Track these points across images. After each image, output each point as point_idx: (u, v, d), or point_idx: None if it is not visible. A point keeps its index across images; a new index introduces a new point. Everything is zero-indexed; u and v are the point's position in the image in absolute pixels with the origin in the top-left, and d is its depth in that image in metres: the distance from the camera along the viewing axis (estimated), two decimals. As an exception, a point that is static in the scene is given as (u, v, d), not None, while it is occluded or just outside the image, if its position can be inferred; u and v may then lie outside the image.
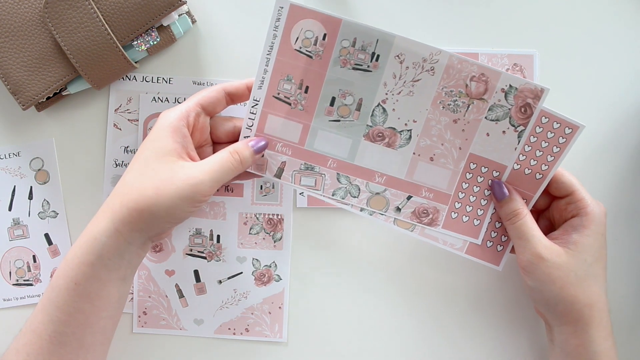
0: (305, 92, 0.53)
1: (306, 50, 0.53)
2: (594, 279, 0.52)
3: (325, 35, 0.52)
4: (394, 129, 0.54)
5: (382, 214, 0.55)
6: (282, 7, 0.51)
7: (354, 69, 0.53)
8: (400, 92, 0.53)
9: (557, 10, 0.60)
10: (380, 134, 0.54)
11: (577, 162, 0.59)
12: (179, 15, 0.58)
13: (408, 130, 0.54)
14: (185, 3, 0.56)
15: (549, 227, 0.56)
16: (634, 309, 0.60)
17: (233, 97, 0.55)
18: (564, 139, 0.53)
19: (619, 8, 0.60)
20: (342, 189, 0.55)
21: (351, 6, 0.60)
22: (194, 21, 0.60)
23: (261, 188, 0.61)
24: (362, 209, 0.55)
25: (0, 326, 0.61)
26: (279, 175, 0.55)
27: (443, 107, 0.53)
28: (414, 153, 0.54)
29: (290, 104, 0.54)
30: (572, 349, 0.52)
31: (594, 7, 0.60)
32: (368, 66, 0.53)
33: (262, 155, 0.55)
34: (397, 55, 0.52)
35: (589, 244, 0.51)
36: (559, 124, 0.52)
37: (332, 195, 0.55)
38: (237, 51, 0.61)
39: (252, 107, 0.54)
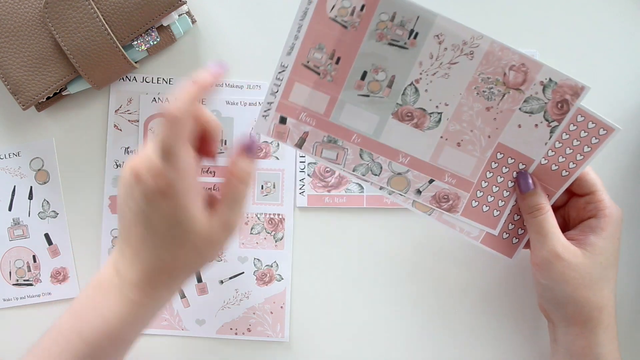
0: (337, 63, 0.51)
1: (342, 20, 0.50)
2: (606, 282, 0.51)
3: (363, 6, 0.49)
4: (424, 110, 0.52)
5: (402, 195, 0.54)
6: None
7: (389, 44, 0.50)
8: (435, 74, 0.51)
9: (557, 10, 0.60)
10: (410, 114, 0.52)
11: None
12: (179, 15, 0.58)
13: (438, 113, 0.52)
14: (185, 3, 0.56)
15: (563, 225, 0.55)
16: (633, 309, 0.60)
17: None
18: (597, 140, 0.52)
19: (620, 8, 0.60)
20: (363, 165, 0.54)
21: None
22: (194, 21, 0.60)
23: (262, 188, 0.61)
24: (381, 188, 0.54)
25: (0, 326, 0.61)
26: (300, 145, 0.53)
27: (477, 94, 0.52)
28: (441, 137, 0.53)
29: (319, 74, 0.51)
30: (578, 350, 0.52)
31: (594, 7, 0.60)
32: (405, 43, 0.50)
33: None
34: (437, 35, 0.50)
35: (605, 247, 0.51)
36: (594, 124, 0.51)
37: (353, 170, 0.54)
38: (237, 51, 0.60)
39: (279, 72, 0.51)
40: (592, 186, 0.53)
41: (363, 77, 0.51)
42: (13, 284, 0.61)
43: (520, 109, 0.52)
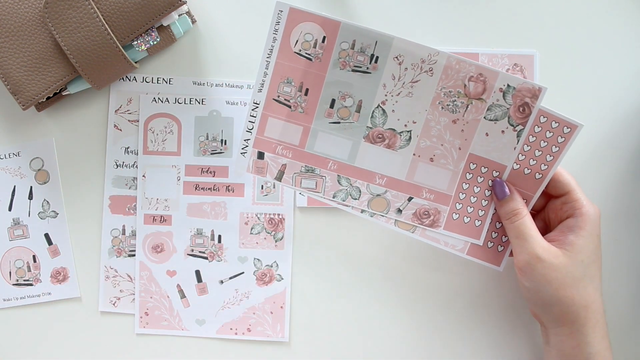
0: (305, 94, 0.54)
1: (306, 53, 0.53)
2: (590, 280, 0.52)
3: (324, 37, 0.52)
4: (394, 130, 0.54)
5: (383, 216, 0.55)
6: (281, 11, 0.52)
7: (353, 70, 0.53)
8: (399, 94, 0.53)
9: (557, 10, 0.60)
10: (380, 135, 0.54)
11: (577, 162, 0.60)
12: (179, 15, 0.58)
13: (408, 131, 0.54)
14: (185, 3, 0.56)
15: (544, 228, 0.56)
16: (633, 310, 0.60)
17: None
18: (563, 138, 0.53)
19: (619, 8, 0.60)
20: (342, 191, 0.55)
21: (351, 7, 0.60)
22: (194, 21, 0.60)
23: (262, 188, 0.61)
24: (362, 211, 0.55)
25: (0, 326, 0.61)
26: (279, 178, 0.55)
27: (442, 108, 0.53)
28: (414, 154, 0.54)
29: (290, 107, 0.54)
30: (568, 350, 0.52)
31: (594, 6, 0.60)
32: (367, 68, 0.53)
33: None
34: (396, 57, 0.52)
35: (585, 245, 0.52)
36: (557, 123, 0.53)
37: (333, 197, 0.55)
38: (237, 51, 0.60)
39: (252, 110, 0.54)
40: (567, 186, 0.54)
41: (332, 105, 0.54)
42: (13, 284, 0.61)
43: (484, 117, 0.53)
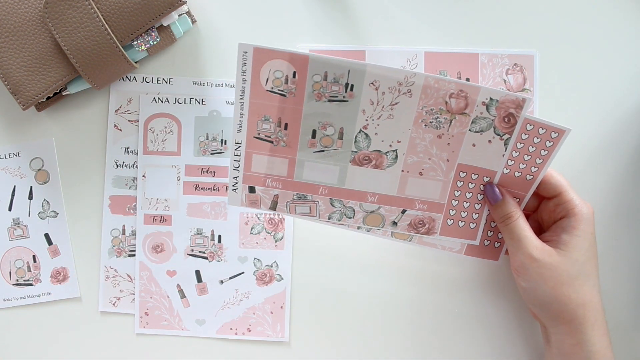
0: (285, 128, 0.53)
1: (278, 90, 0.52)
2: (586, 278, 0.52)
3: (294, 72, 0.51)
4: (379, 151, 0.54)
5: (380, 229, 0.56)
6: (245, 52, 0.50)
7: (329, 100, 0.52)
8: (380, 117, 0.52)
9: (557, 11, 0.60)
10: (367, 158, 0.54)
11: (576, 162, 0.60)
12: (179, 15, 0.58)
13: (394, 151, 0.54)
14: (185, 3, 0.56)
15: (538, 229, 0.56)
16: (632, 309, 0.60)
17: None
18: (552, 143, 0.53)
19: (620, 8, 0.60)
20: (337, 212, 0.55)
21: (350, 10, 0.60)
22: (194, 21, 0.60)
23: (262, 188, 0.61)
24: (359, 228, 0.56)
25: (0, 326, 0.61)
26: (273, 207, 0.55)
27: (425, 125, 0.53)
28: (402, 170, 0.54)
29: (272, 142, 0.53)
30: (568, 348, 0.52)
31: (594, 6, 0.60)
32: (344, 97, 0.52)
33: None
34: (372, 83, 0.51)
35: (579, 244, 0.52)
36: (544, 130, 0.52)
37: (329, 218, 0.56)
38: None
39: (235, 149, 0.54)
40: (559, 187, 0.54)
41: (314, 136, 0.53)
42: (13, 284, 0.61)
43: (470, 130, 0.53)
